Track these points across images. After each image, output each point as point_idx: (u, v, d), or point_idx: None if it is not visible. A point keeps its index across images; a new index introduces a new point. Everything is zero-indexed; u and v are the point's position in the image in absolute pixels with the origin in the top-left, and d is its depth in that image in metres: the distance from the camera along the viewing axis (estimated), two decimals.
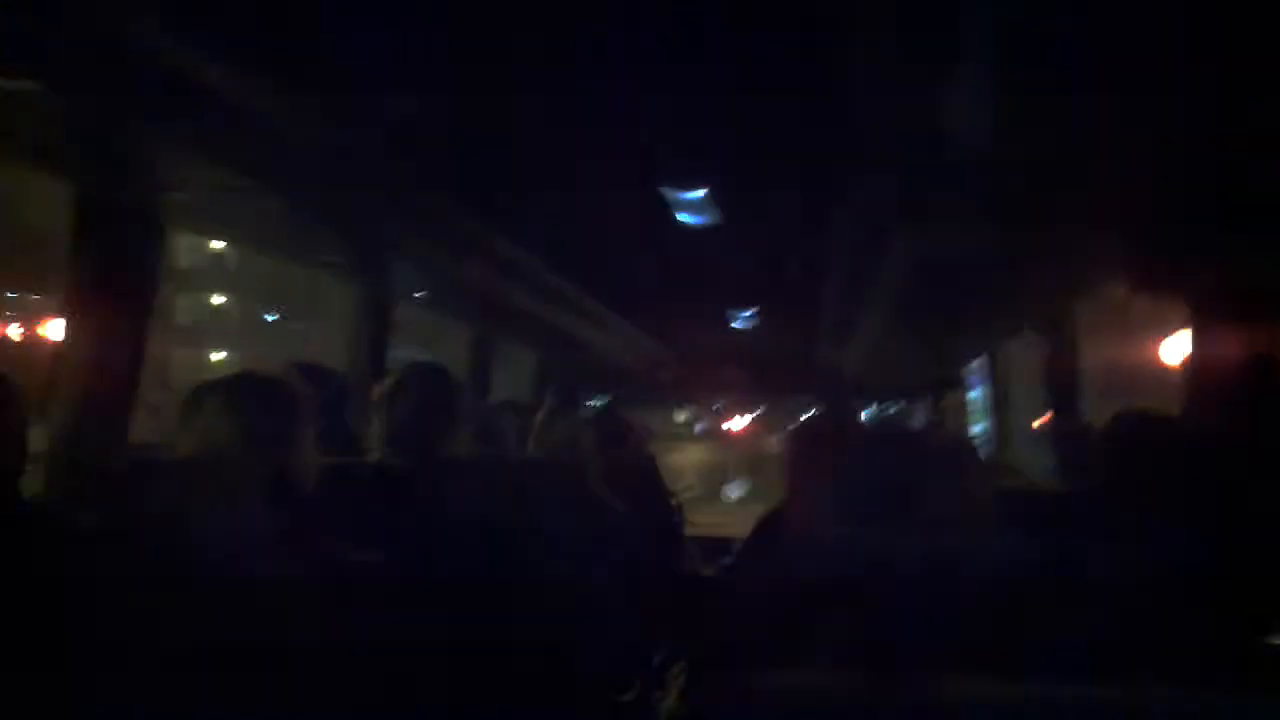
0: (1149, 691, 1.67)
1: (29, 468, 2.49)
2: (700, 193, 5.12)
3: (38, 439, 2.84)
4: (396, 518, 2.85)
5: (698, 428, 13.89)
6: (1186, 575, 2.22)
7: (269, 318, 25.74)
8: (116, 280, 3.34)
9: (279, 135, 3.10)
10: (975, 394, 7.49)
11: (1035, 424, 5.66)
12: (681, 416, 13.03)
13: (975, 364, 7.36)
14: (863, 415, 9.53)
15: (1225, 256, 3.06)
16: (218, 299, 26.56)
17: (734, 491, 12.27)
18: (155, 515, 2.34)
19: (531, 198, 4.56)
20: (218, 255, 22.56)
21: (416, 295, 5.76)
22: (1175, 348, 3.20)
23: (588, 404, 8.31)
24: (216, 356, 23.79)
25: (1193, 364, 3.13)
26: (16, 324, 17.83)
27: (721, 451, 13.92)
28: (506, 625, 2.75)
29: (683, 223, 5.42)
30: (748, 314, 8.08)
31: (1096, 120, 2.71)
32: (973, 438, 6.56)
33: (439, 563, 2.73)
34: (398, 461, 3.19)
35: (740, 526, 3.84)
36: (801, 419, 7.13)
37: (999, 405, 6.78)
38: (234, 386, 2.70)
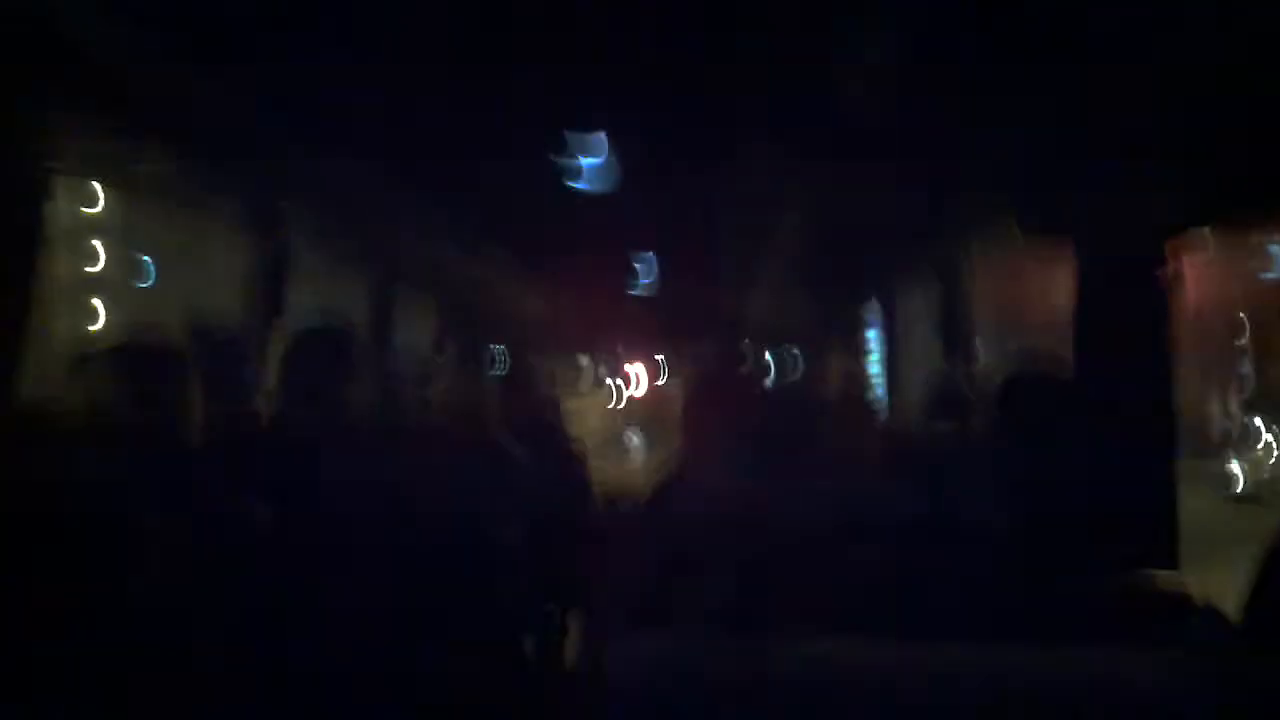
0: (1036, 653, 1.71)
1: None
2: (598, 137, 5.11)
3: None
4: (295, 475, 2.81)
5: (596, 378, 13.88)
6: (1064, 518, 2.29)
7: (150, 271, 25.06)
8: None
9: (168, 84, 3.01)
10: (872, 334, 7.58)
11: (928, 368, 5.75)
12: (580, 366, 13.02)
13: (872, 306, 7.43)
14: (765, 358, 9.60)
15: (1112, 194, 3.10)
16: (100, 247, 25.72)
17: (633, 443, 12.32)
18: (44, 476, 2.29)
19: (429, 145, 4.50)
20: (99, 208, 21.91)
21: (312, 246, 5.65)
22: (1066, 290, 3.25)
23: (487, 354, 8.26)
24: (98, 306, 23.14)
25: (1080, 307, 3.19)
26: None
27: (623, 401, 13.95)
28: (402, 578, 2.75)
29: (580, 169, 5.40)
30: (645, 260, 8.11)
31: (984, 54, 2.73)
32: (869, 383, 6.66)
33: (337, 518, 2.73)
34: (297, 417, 3.13)
35: (639, 479, 3.86)
36: (699, 367, 7.16)
37: (893, 349, 6.88)
38: (118, 354, 2.65)
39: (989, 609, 1.93)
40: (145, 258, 5.51)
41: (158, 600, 2.16)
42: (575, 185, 5.50)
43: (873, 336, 7.50)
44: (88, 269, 5.13)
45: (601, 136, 5.10)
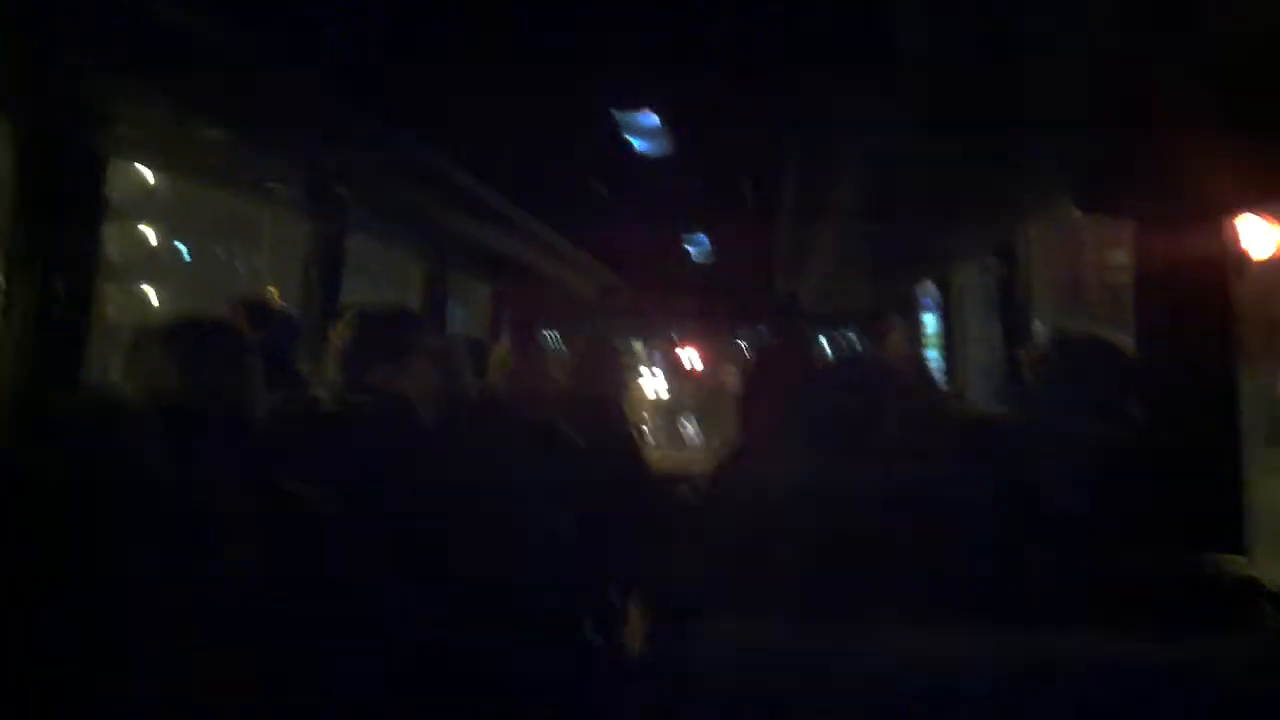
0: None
1: None
2: (651, 117, 5.08)
3: None
4: (354, 459, 2.81)
5: (653, 361, 13.81)
6: (1131, 503, 2.24)
7: (201, 251, 25.03)
8: (57, 216, 3.24)
9: (222, 64, 3.01)
10: (930, 318, 7.50)
11: (989, 350, 5.67)
12: (636, 349, 12.98)
13: (928, 288, 7.35)
14: (819, 342, 9.54)
15: (1173, 175, 3.03)
16: (150, 232, 25.63)
17: (691, 427, 12.28)
18: (104, 457, 2.30)
19: (484, 124, 4.50)
20: (151, 187, 21.79)
21: (366, 227, 5.67)
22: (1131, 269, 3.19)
23: (543, 338, 8.27)
24: (149, 292, 23.13)
25: (1141, 288, 3.12)
26: None
27: (678, 385, 13.90)
28: (462, 563, 2.75)
29: (634, 148, 5.37)
30: (700, 240, 8.07)
31: (1042, 33, 2.67)
32: (928, 366, 6.58)
33: (396, 502, 2.72)
34: (355, 401, 3.13)
35: (699, 463, 3.82)
36: (756, 351, 7.10)
37: (952, 332, 6.80)
38: (175, 333, 2.65)
39: (1056, 594, 1.90)
40: (186, 243, 5.53)
41: (219, 575, 2.17)
42: (631, 162, 5.48)
43: (930, 318, 7.42)
44: (140, 252, 5.16)
45: (656, 116, 5.07)
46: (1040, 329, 5.16)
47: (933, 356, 7.10)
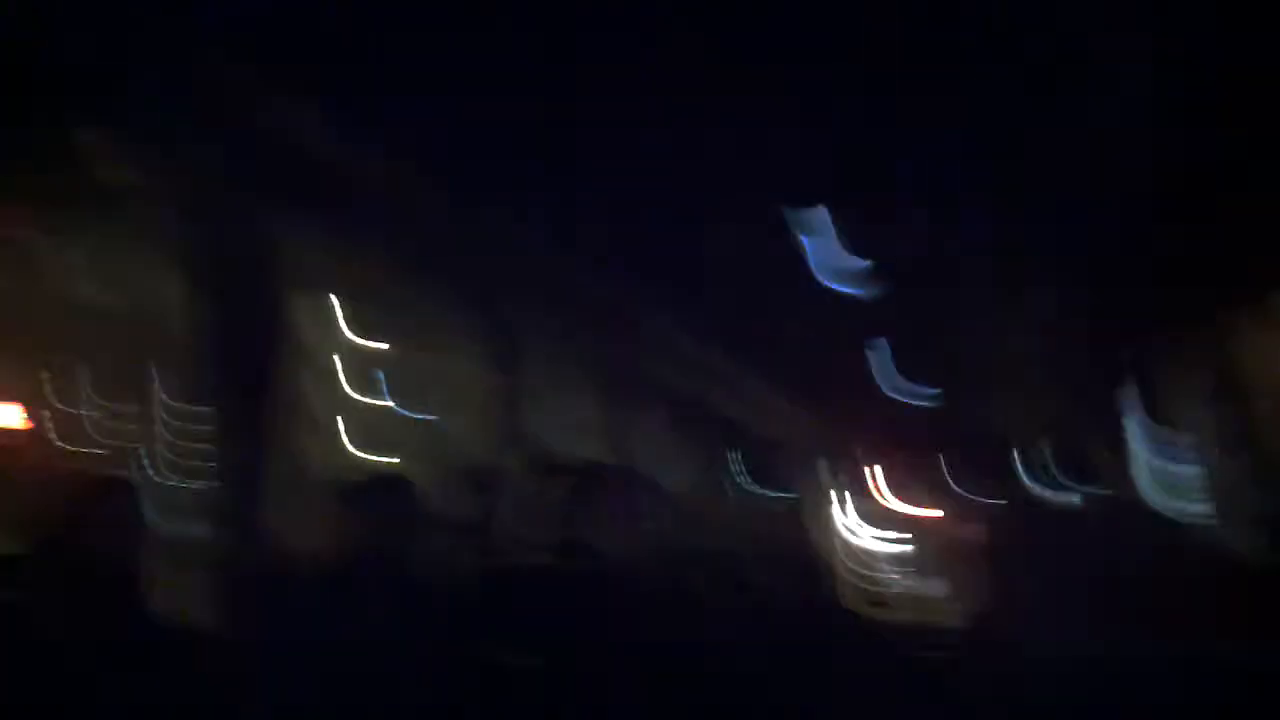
0: None
1: None
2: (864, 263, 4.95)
3: None
4: (581, 620, 2.63)
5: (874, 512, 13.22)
6: None
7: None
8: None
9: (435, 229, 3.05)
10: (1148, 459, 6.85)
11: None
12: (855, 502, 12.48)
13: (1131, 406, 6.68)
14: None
15: None
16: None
17: (928, 586, 11.55)
18: None
19: (694, 285, 4.46)
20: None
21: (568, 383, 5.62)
22: None
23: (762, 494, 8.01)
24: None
25: None
26: None
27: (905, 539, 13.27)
28: None
29: (847, 298, 5.23)
30: (915, 388, 7.78)
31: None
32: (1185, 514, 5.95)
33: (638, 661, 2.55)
34: (585, 562, 2.93)
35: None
36: (991, 501, 6.62)
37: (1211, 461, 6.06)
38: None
39: None
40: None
41: None
42: (842, 313, 5.35)
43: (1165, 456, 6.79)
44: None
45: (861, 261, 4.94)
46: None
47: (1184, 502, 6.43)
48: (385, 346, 4.90)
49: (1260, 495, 3.87)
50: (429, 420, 5.18)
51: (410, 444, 4.83)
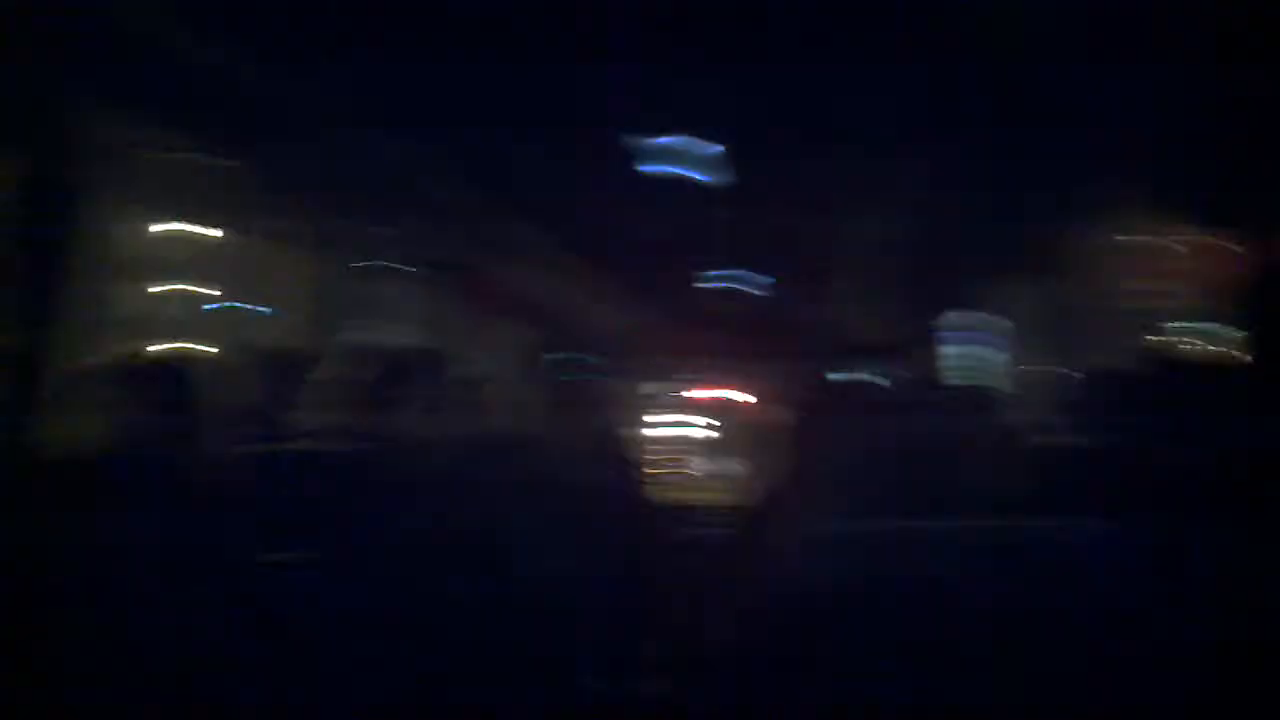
0: None
1: None
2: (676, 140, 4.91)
3: None
4: (371, 502, 2.65)
5: (673, 397, 13.38)
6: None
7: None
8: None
9: (243, 98, 2.91)
10: (957, 347, 7.18)
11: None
12: (654, 386, 12.60)
13: (956, 316, 7.03)
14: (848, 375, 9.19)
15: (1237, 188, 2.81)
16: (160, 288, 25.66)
17: (716, 467, 11.80)
18: None
19: (509, 160, 4.36)
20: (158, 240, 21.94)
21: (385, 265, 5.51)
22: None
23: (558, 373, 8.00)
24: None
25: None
26: None
27: (702, 422, 13.51)
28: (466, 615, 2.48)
29: (657, 178, 5.20)
30: (726, 273, 7.85)
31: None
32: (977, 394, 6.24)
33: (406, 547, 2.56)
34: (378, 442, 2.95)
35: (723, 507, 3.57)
36: (791, 385, 6.77)
37: (998, 354, 6.45)
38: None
39: None
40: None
41: None
42: (655, 193, 5.32)
43: (968, 342, 7.09)
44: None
45: (687, 139, 4.90)
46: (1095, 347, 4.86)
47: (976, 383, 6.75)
48: (191, 229, 4.72)
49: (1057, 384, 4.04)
50: (236, 306, 5.03)
51: (213, 330, 4.67)
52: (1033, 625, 1.96)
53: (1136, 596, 2.01)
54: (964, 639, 1.92)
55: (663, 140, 4.87)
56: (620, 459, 3.79)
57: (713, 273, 7.84)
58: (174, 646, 2.13)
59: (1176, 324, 4.61)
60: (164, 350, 4.14)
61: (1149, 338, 4.66)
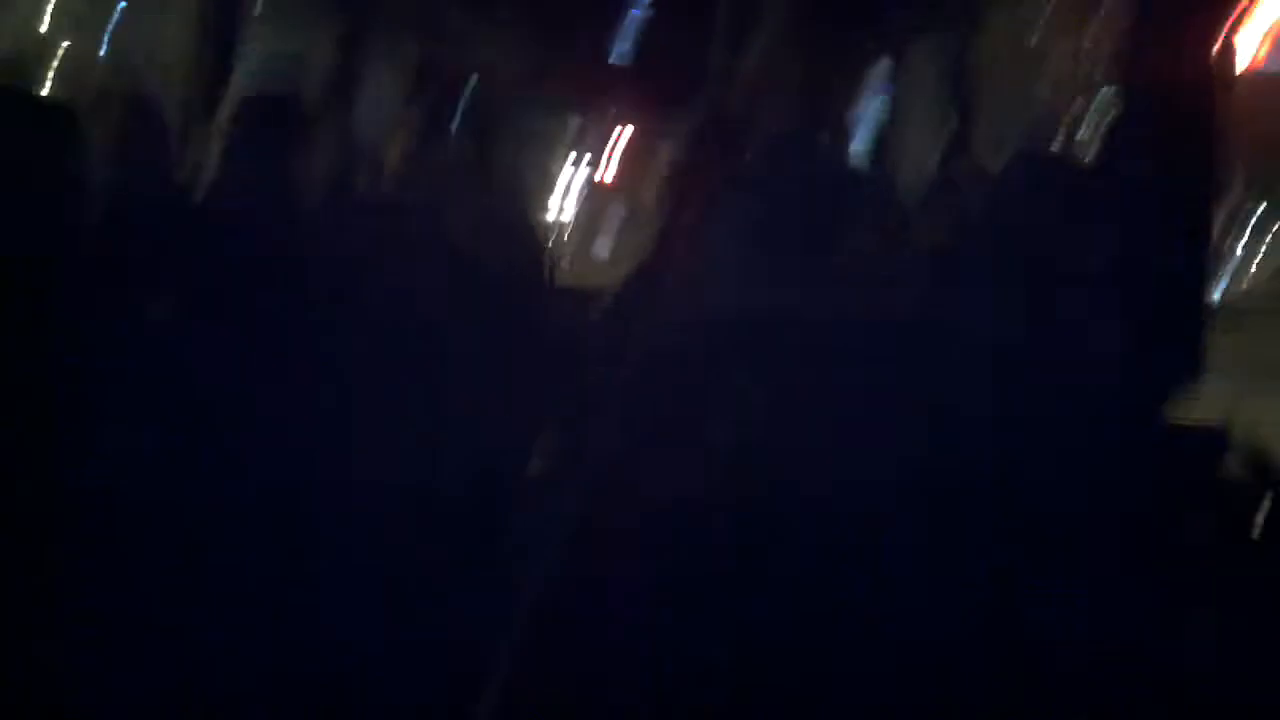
0: None
1: None
2: None
3: None
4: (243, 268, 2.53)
5: (570, 146, 13.10)
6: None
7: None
8: None
9: None
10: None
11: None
12: (555, 131, 12.33)
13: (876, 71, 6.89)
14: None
15: None
16: None
17: (609, 223, 11.66)
18: None
19: None
20: None
21: None
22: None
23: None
24: None
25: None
26: None
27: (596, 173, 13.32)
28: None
29: None
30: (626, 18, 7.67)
31: None
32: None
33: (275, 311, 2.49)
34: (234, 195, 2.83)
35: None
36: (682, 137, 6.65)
37: (896, 125, 6.36)
38: None
39: None
40: None
41: None
42: None
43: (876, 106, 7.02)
44: None
45: None
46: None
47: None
48: None
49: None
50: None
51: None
52: None
53: None
54: None
55: None
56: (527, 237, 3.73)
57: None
58: None
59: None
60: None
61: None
